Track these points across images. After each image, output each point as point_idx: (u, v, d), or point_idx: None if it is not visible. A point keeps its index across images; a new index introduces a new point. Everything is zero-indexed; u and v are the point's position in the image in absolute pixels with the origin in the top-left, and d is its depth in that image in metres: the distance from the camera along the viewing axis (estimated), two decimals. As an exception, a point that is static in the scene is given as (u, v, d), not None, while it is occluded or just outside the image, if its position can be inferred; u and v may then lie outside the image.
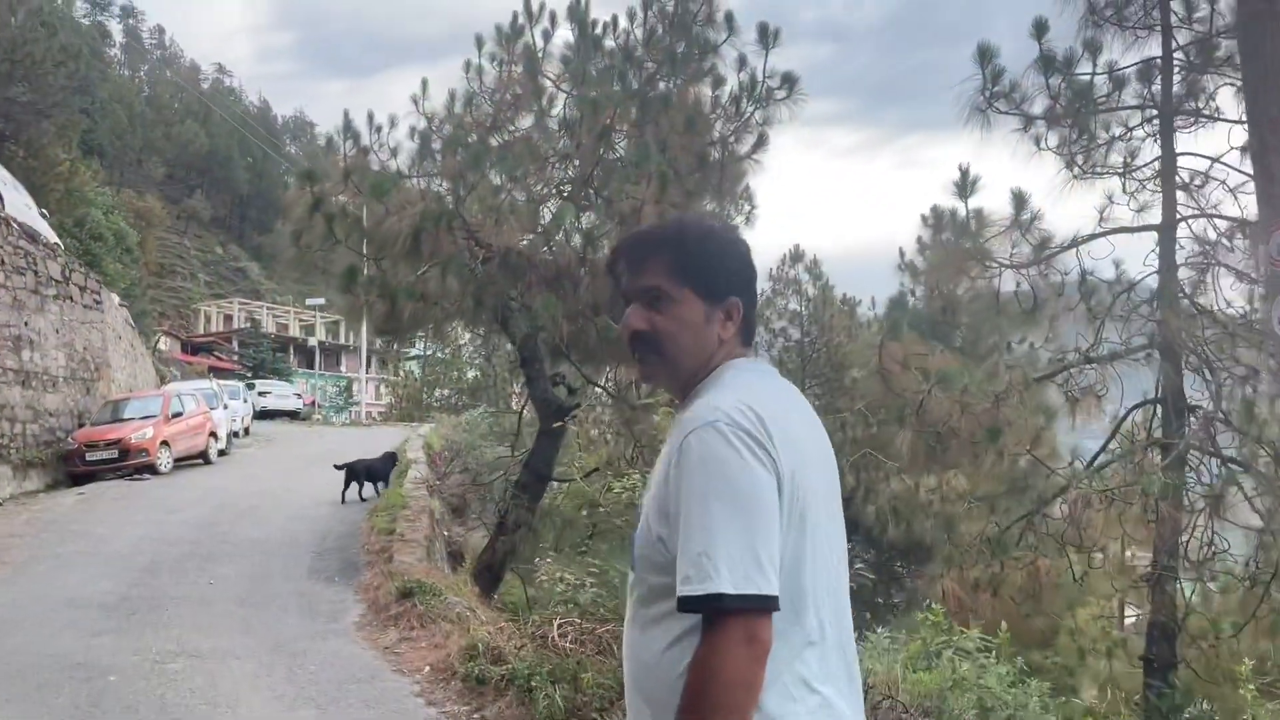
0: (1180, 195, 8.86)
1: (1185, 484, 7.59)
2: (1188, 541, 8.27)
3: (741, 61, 12.31)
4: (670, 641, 1.70)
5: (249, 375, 46.96)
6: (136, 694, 6.94)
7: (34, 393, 18.03)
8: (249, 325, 65.75)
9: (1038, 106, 9.49)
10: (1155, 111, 9.16)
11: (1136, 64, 9.37)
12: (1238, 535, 7.96)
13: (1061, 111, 9.17)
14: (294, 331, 71.23)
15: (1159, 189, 8.96)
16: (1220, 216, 8.75)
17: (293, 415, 40.34)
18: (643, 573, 1.79)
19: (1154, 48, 9.19)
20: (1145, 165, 9.08)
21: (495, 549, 11.36)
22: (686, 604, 1.62)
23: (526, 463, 11.63)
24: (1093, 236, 9.25)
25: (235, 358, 57.36)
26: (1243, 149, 9.11)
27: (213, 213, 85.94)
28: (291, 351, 65.96)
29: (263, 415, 35.87)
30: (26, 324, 17.82)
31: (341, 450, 23.84)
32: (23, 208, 22.21)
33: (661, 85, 12.51)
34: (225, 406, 25.03)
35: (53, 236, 23.22)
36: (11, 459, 16.85)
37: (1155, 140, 9.07)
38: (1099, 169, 9.15)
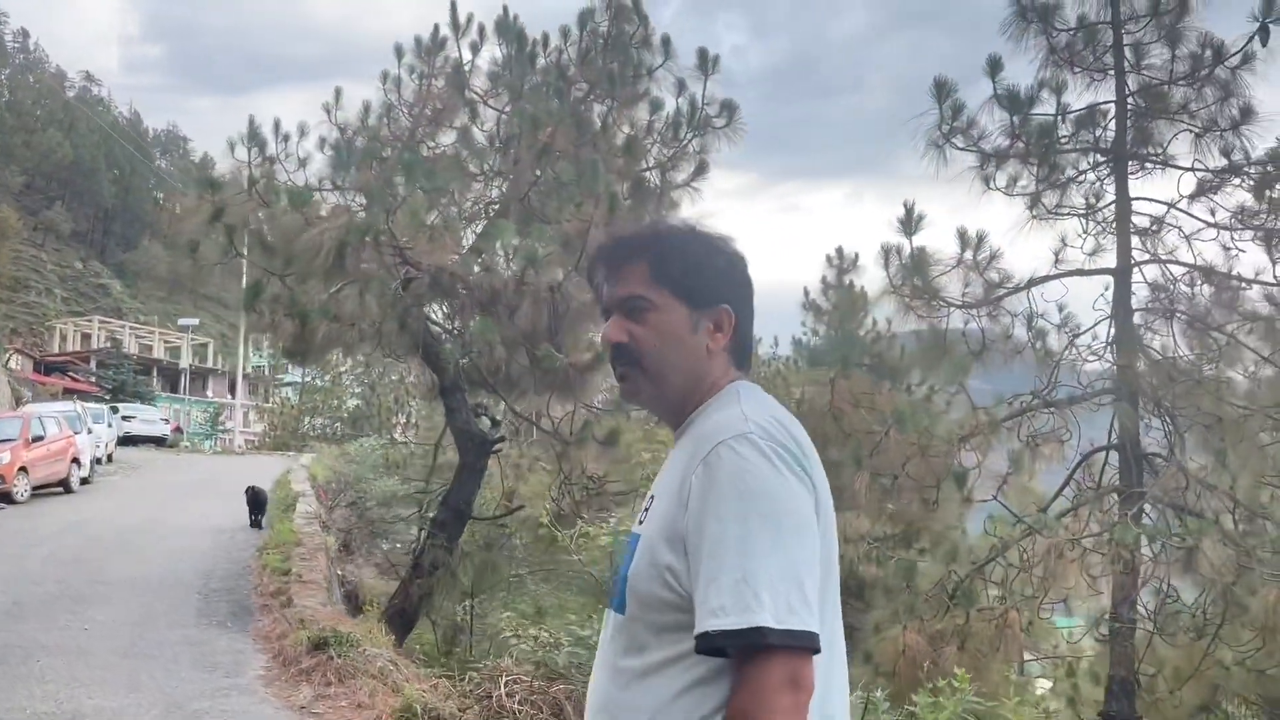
0: (1137, 240, 8.80)
1: (1155, 534, 7.40)
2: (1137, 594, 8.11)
3: (680, 86, 11.94)
4: (677, 693, 1.45)
5: (108, 398, 44.19)
6: (12, 767, 5.93)
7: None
8: (109, 345, 62.25)
9: (995, 144, 9.34)
10: (1109, 155, 9.11)
11: (1085, 108, 9.33)
12: (1185, 586, 7.84)
13: (1021, 150, 9.03)
14: (159, 353, 67.80)
15: (1114, 233, 8.89)
16: (1175, 262, 8.73)
17: (159, 442, 38.05)
18: (639, 613, 1.52)
19: (1111, 91, 9.16)
20: (1103, 208, 9.01)
21: (409, 592, 10.51)
22: (714, 641, 1.37)
23: (445, 499, 10.84)
24: (1047, 278, 9.14)
25: (93, 379, 54.02)
26: (1193, 195, 9.15)
27: (74, 226, 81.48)
28: (155, 374, 62.65)
29: (127, 441, 33.67)
30: None
31: (215, 480, 22.45)
32: None
33: (597, 107, 12.05)
34: (89, 430, 23.24)
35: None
36: None
37: (1111, 183, 9.02)
38: (1059, 210, 9.04)
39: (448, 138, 12.59)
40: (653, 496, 1.64)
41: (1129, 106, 9.12)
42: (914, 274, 9.78)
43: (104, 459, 25.84)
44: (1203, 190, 9.08)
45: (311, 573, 11.93)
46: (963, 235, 9.89)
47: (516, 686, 6.50)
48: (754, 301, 1.75)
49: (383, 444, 24.31)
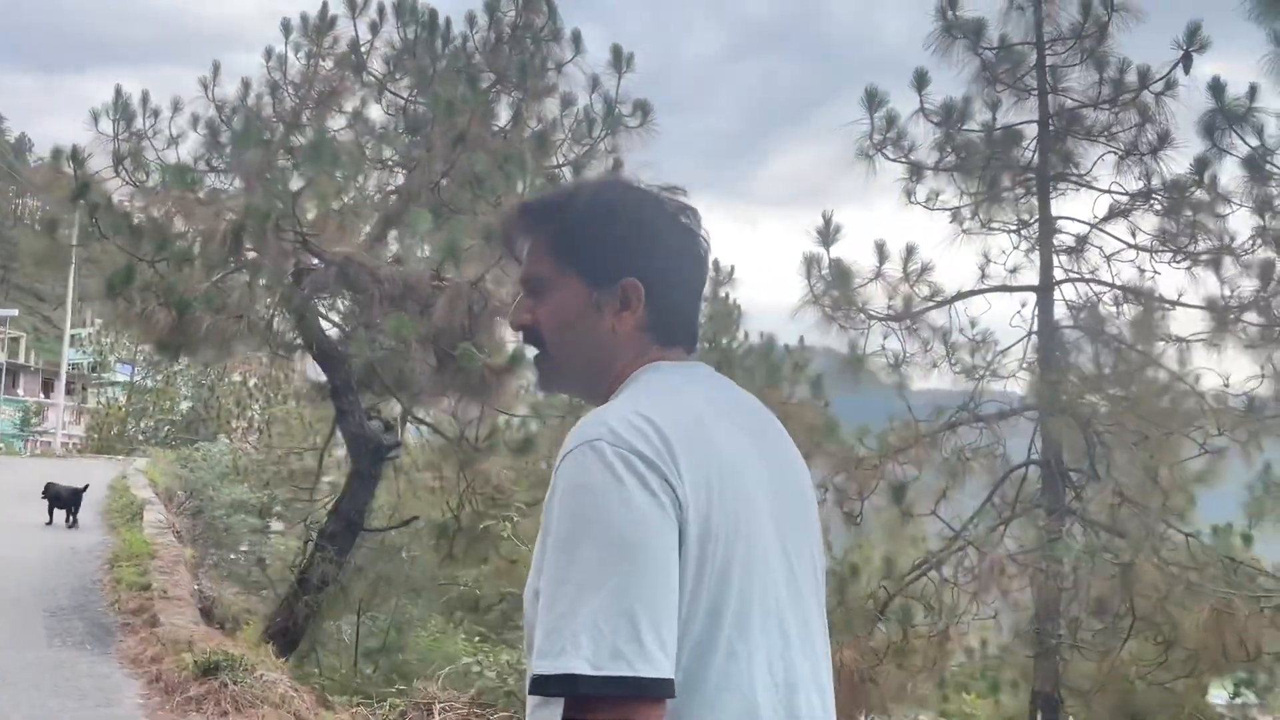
0: (1063, 257, 8.93)
1: (1093, 550, 7.44)
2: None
3: (594, 82, 11.57)
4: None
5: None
6: None
7: None
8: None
9: (921, 158, 9.33)
10: (1032, 174, 9.23)
11: (1008, 125, 9.43)
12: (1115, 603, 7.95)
13: (951, 164, 9.04)
14: (-41, 348, 62.48)
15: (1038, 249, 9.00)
16: (1097, 281, 8.89)
17: (-33, 444, 34.90)
18: (529, 635, 1.32)
19: (1035, 111, 9.28)
20: (1029, 225, 9.10)
21: (293, 610, 9.68)
22: (537, 688, 1.21)
23: (335, 508, 10.06)
24: (971, 293, 9.17)
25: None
26: (1105, 217, 9.36)
27: None
28: (-47, 371, 57.69)
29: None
30: None
31: (37, 486, 20.55)
32: None
33: (504, 98, 11.54)
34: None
35: None
36: None
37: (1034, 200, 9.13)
38: (989, 225, 9.08)
39: (337, 121, 11.85)
40: None
41: (1051, 127, 9.25)
42: (835, 285, 9.67)
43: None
44: (1114, 213, 9.30)
45: (176, 588, 10.89)
46: (880, 247, 9.85)
47: (453, 714, 5.93)
48: (692, 264, 1.51)
49: (232, 449, 22.83)
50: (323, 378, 10.96)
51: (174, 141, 11.76)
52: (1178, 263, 8.50)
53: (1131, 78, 8.80)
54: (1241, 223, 9.22)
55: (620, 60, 11.62)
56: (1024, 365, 9.08)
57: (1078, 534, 7.89)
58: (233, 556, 18.02)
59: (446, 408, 9.97)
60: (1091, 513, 7.90)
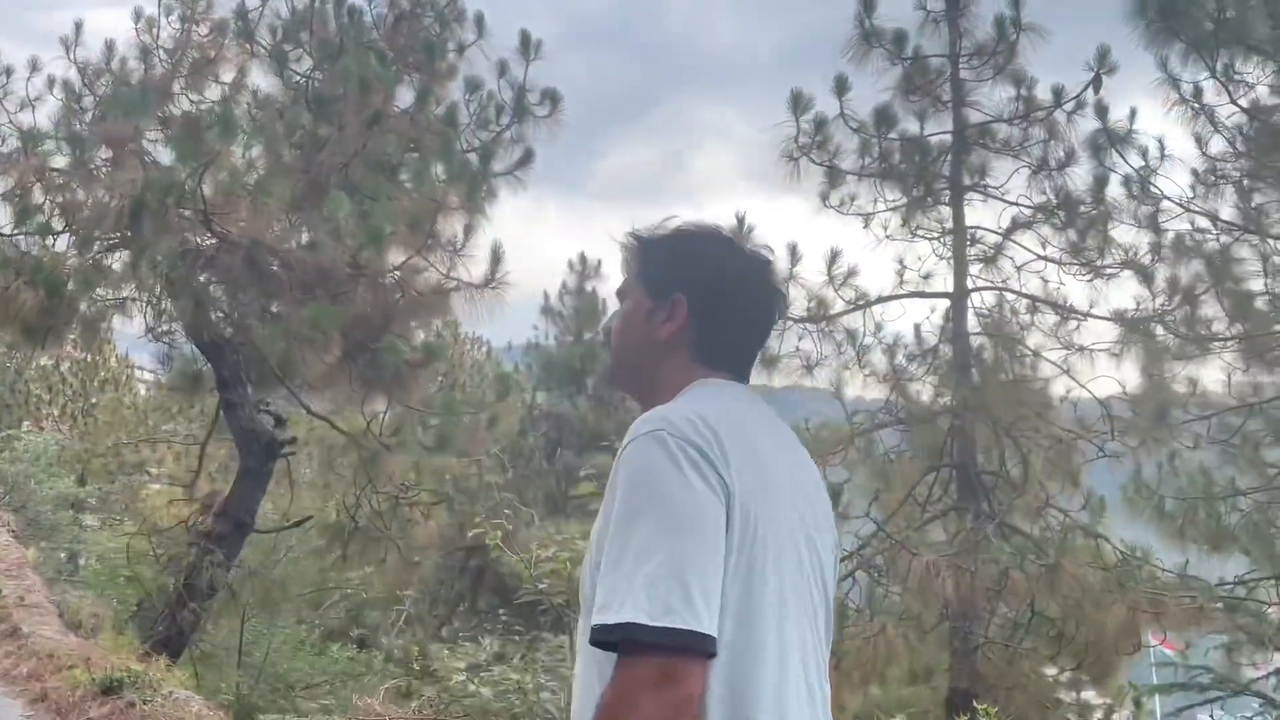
0: (979, 266, 9.20)
1: (1022, 551, 7.69)
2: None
3: (502, 68, 11.16)
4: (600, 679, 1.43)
5: None
6: None
7: None
8: None
9: (841, 163, 9.43)
10: (947, 184, 9.47)
11: (924, 135, 9.66)
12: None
13: (874, 169, 9.17)
14: None
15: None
16: (1009, 290, 9.21)
17: None
18: (587, 608, 1.51)
19: (950, 121, 9.52)
20: (944, 234, 9.33)
21: (176, 617, 8.94)
22: (599, 635, 1.40)
23: (224, 509, 9.34)
24: (888, 298, 9.34)
25: None
26: (1008, 230, 9.72)
27: None
28: None
29: None
30: None
31: None
32: None
33: (406, 79, 11.00)
34: None
35: None
36: None
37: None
38: (915, 233, 9.26)
39: (213, 92, 11.05)
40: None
41: (965, 139, 9.52)
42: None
43: None
44: (1017, 225, 9.67)
45: (31, 594, 9.93)
46: (793, 250, 9.93)
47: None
48: (750, 306, 1.71)
49: (61, 439, 21.02)
50: (197, 367, 10.24)
51: (29, 104, 10.78)
52: (1082, 276, 8.90)
53: (1044, 95, 9.16)
54: (1140, 238, 9.78)
55: (528, 47, 11.27)
56: (930, 369, 9.31)
57: (995, 536, 8.14)
58: (62, 555, 16.72)
59: (347, 401, 9.41)
60: (1015, 515, 8.17)
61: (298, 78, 10.34)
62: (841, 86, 9.53)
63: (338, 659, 10.23)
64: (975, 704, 8.11)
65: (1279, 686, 11.57)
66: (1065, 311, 8.85)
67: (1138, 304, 8.71)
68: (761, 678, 1.46)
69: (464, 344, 26.61)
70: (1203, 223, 10.34)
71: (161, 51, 11.39)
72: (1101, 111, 9.79)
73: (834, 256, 9.17)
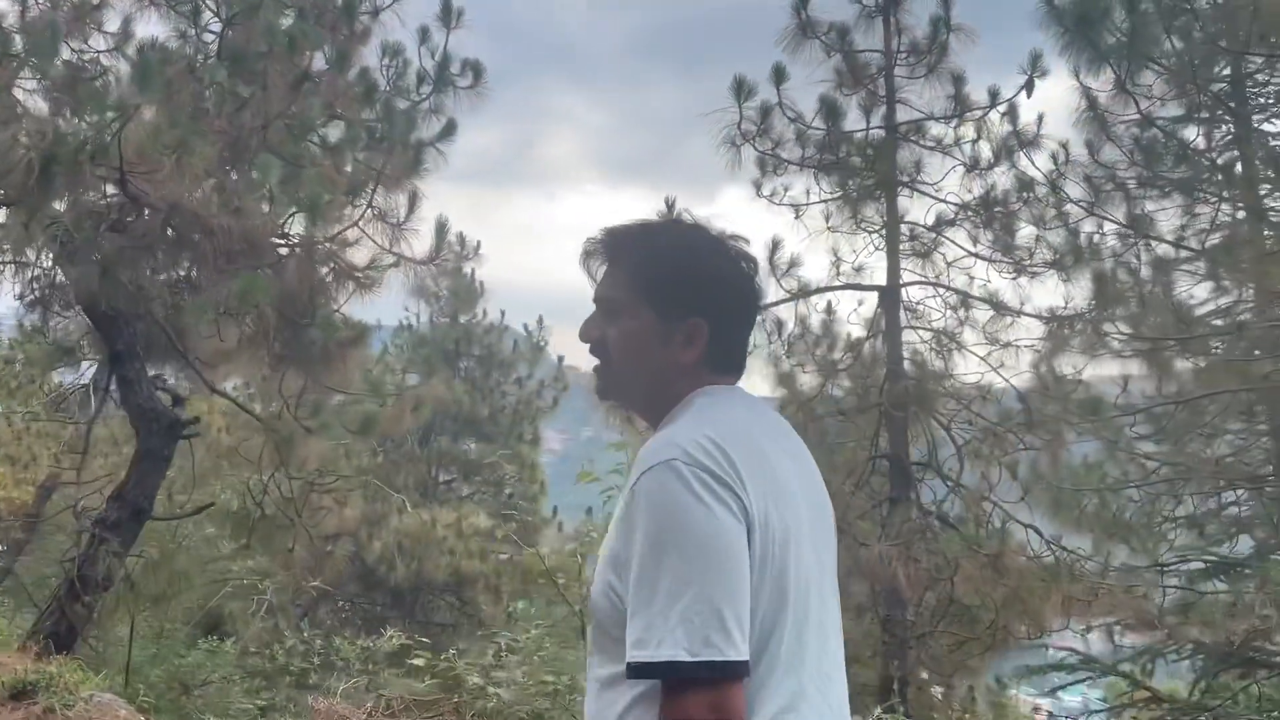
0: (915, 261, 9.33)
1: (972, 541, 7.84)
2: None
3: (424, 34, 10.66)
4: (626, 706, 1.50)
5: None
6: None
7: None
8: None
9: (776, 153, 9.41)
10: (881, 178, 9.58)
11: (855, 130, 9.75)
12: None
13: (814, 161, 9.19)
14: None
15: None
16: (942, 285, 9.37)
17: None
18: (601, 628, 1.59)
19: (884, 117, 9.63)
20: (879, 228, 9.43)
21: (66, 612, 8.18)
22: (638, 671, 1.44)
23: (119, 494, 8.59)
24: (823, 289, 9.38)
25: None
26: (933, 225, 9.92)
27: None
28: None
29: None
30: None
31: None
32: None
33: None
34: None
35: None
36: None
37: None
38: (850, 225, 9.32)
39: (98, 41, 10.16)
40: (612, 515, 1.65)
41: (899, 134, 9.65)
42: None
43: None
44: (941, 222, 9.88)
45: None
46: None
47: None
48: (749, 309, 1.75)
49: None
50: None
51: None
52: (1008, 274, 9.16)
53: (979, 96, 9.38)
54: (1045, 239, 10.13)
55: (450, 14, 10.81)
56: (853, 361, 9.42)
57: (942, 527, 8.31)
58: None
59: (261, 380, 8.81)
60: (956, 508, 8.34)
61: (209, 33, 9.62)
62: (779, 76, 9.52)
63: (228, 654, 9.63)
64: (905, 690, 8.30)
65: (1147, 667, 12.31)
66: (996, 307, 9.08)
67: (1066, 302, 9.04)
68: (785, 688, 1.51)
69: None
70: (1108, 226, 10.88)
71: (38, -8, 10.44)
72: (1012, 114, 10.12)
73: (775, 246, 9.16)
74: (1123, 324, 10.30)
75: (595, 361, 1.75)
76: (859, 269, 9.44)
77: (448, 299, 23.11)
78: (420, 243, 7.83)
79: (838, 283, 9.39)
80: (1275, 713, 10.07)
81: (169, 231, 7.50)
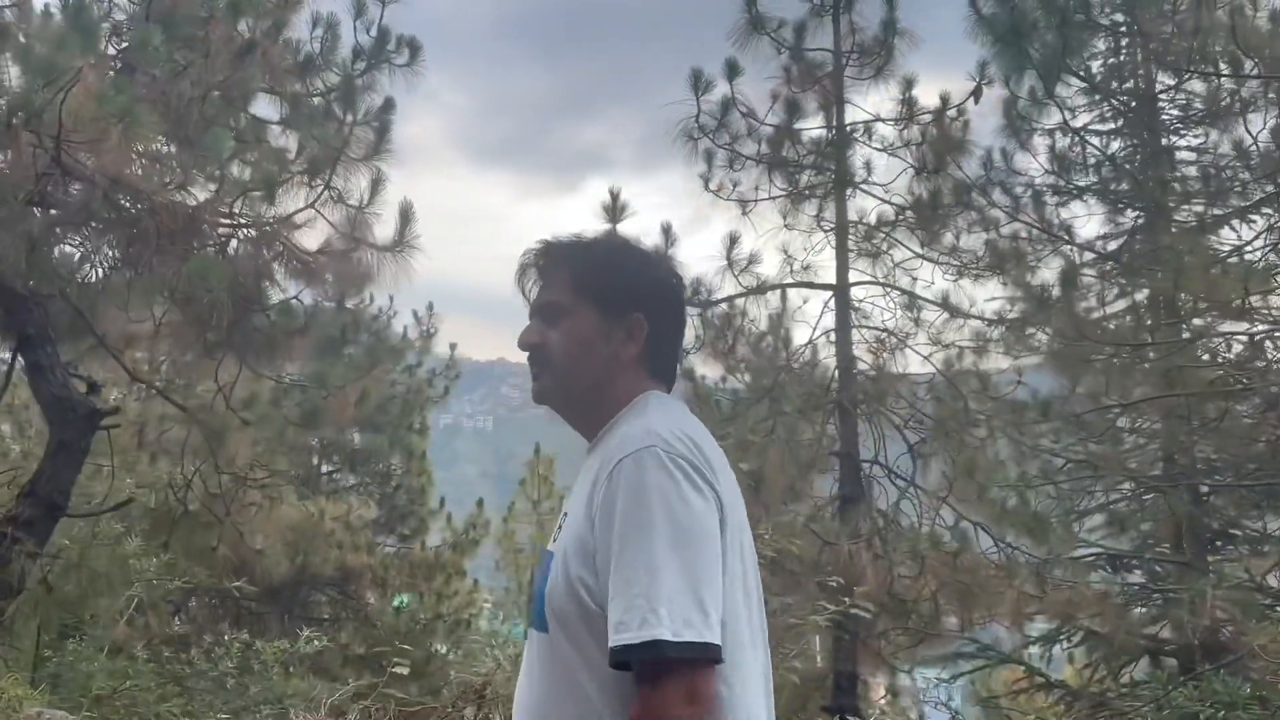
0: (866, 261, 9.41)
1: (937, 540, 7.94)
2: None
3: (360, 6, 10.15)
4: (600, 705, 1.50)
5: None
6: None
7: None
8: None
9: (728, 148, 9.36)
10: (831, 177, 9.63)
11: (804, 127, 9.78)
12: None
13: (768, 158, 9.16)
14: None
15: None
16: (894, 287, 9.48)
17: None
18: (560, 629, 1.56)
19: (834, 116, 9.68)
20: (828, 228, 9.48)
21: (-27, 617, 7.46)
22: (620, 655, 1.44)
23: (31, 489, 7.89)
24: (774, 286, 9.37)
25: None
26: (877, 225, 10.04)
27: None
28: None
29: None
30: None
31: None
32: None
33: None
34: None
35: None
36: None
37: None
38: (795, 223, 9.33)
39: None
40: (565, 514, 1.66)
41: (847, 134, 9.72)
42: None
43: None
44: (882, 223, 10.01)
45: None
46: (667, 230, 9.77)
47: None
48: (681, 319, 1.84)
49: None
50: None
51: None
52: (949, 276, 9.36)
53: (928, 99, 9.53)
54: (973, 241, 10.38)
55: (383, -16, 10.34)
56: (800, 359, 9.48)
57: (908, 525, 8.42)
58: None
59: (190, 368, 8.24)
60: (932, 507, 8.47)
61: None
62: (733, 70, 9.46)
63: (140, 659, 9.01)
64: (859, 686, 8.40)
65: (1045, 654, 12.86)
66: (940, 307, 9.26)
67: (1011, 304, 9.28)
68: (748, 668, 1.56)
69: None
70: (1027, 232, 11.25)
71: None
72: (939, 119, 10.33)
73: (732, 242, 9.11)
74: (1042, 327, 10.70)
75: (534, 368, 1.76)
76: (806, 267, 9.48)
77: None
78: (382, 228, 7.44)
79: (789, 280, 9.40)
80: (1172, 697, 10.64)
81: (105, 208, 6.90)
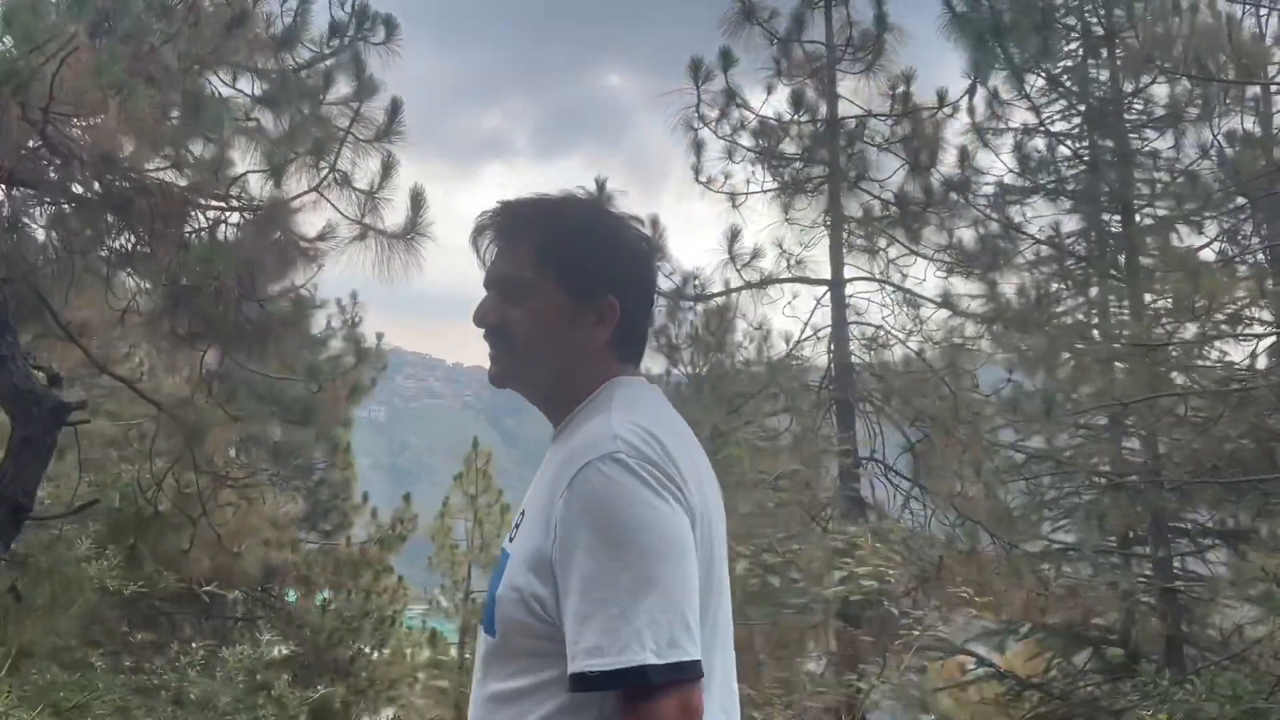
0: (864, 257, 9.36)
1: (949, 538, 7.91)
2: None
3: (319, -21, 9.66)
4: (544, 718, 1.41)
5: None
6: None
7: None
8: None
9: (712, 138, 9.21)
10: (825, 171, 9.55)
11: (797, 122, 9.68)
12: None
13: (764, 150, 9.02)
14: None
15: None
16: (887, 283, 9.44)
17: None
18: (507, 636, 1.47)
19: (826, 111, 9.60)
20: (824, 223, 9.39)
21: (-68, 630, 6.85)
22: (593, 682, 1.34)
23: (-6, 489, 7.28)
24: (768, 282, 9.25)
25: None
26: (864, 219, 10.01)
27: None
28: None
29: None
30: None
31: None
32: None
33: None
34: None
35: None
36: None
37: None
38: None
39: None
40: (523, 512, 1.55)
41: (840, 129, 9.65)
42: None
43: None
44: (871, 219, 9.99)
45: None
46: (654, 222, 9.58)
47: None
48: (653, 292, 1.70)
49: None
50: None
51: None
52: (940, 273, 9.39)
53: (924, 95, 9.52)
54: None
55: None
56: (794, 355, 9.40)
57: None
58: None
59: (166, 360, 7.72)
60: (943, 504, 8.45)
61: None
62: (727, 60, 9.31)
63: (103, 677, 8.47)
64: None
65: (999, 645, 13.08)
66: (936, 304, 9.28)
67: (1005, 301, 9.34)
68: (727, 688, 1.52)
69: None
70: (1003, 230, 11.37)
71: None
72: (914, 117, 10.37)
73: (735, 235, 8.96)
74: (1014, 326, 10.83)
75: (489, 348, 1.61)
76: (799, 263, 9.40)
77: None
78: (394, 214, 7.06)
79: (784, 275, 9.30)
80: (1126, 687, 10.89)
81: (96, 187, 6.38)
